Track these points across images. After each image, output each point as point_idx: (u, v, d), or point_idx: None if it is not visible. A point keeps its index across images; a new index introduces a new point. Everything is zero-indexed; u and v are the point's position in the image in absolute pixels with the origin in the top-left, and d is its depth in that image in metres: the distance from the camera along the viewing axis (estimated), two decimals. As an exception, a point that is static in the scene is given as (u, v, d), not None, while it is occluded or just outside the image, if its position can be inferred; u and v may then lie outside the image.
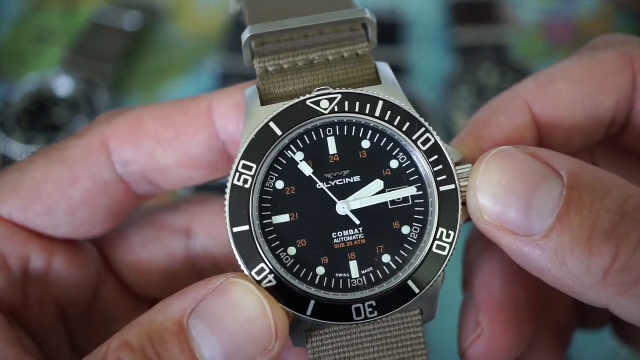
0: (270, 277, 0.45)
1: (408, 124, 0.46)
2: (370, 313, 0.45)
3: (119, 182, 0.52)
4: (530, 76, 0.52)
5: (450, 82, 1.03)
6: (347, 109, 0.46)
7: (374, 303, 0.45)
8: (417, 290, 0.45)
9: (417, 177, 0.47)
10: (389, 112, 0.46)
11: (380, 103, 0.46)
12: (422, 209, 0.46)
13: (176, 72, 1.10)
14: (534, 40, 1.12)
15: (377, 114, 0.46)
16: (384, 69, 0.49)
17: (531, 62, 1.05)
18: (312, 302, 0.45)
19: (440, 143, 0.46)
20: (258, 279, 0.45)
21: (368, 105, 0.46)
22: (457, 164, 0.46)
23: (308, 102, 0.46)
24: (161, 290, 0.46)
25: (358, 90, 0.47)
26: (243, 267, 0.45)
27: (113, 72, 1.06)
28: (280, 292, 0.45)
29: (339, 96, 0.46)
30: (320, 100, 0.46)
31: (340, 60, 0.49)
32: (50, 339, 0.53)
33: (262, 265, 0.45)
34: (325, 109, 0.46)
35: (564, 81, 0.49)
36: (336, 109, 0.46)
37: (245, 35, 0.48)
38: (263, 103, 0.48)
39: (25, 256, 0.51)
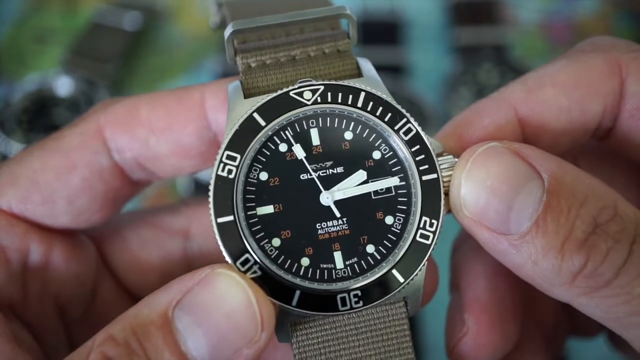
0: (255, 267, 0.45)
1: (390, 114, 0.47)
2: (356, 303, 0.45)
3: (115, 168, 0.52)
4: (518, 79, 0.52)
5: (450, 82, 1.03)
6: (329, 100, 0.47)
7: (359, 293, 0.45)
8: (401, 280, 0.45)
9: (399, 167, 0.47)
10: (371, 103, 0.47)
11: (362, 94, 0.47)
12: (405, 199, 0.47)
13: (176, 72, 1.10)
14: (534, 40, 1.12)
15: (359, 104, 0.47)
16: (365, 64, 0.50)
17: (531, 62, 1.04)
18: (298, 292, 0.45)
19: (422, 133, 0.47)
20: (243, 269, 0.45)
21: (350, 96, 0.47)
22: (438, 155, 0.47)
23: (291, 93, 0.47)
24: None
25: (340, 82, 0.47)
26: (227, 258, 0.45)
27: (113, 72, 1.06)
28: (266, 282, 0.44)
29: (322, 87, 0.47)
30: (303, 92, 0.47)
31: (321, 56, 0.50)
32: (49, 337, 0.53)
33: (247, 255, 0.45)
34: (308, 100, 0.47)
35: (551, 86, 0.50)
36: (319, 100, 0.47)
37: (228, 31, 0.49)
38: (246, 96, 0.48)
39: (24, 249, 0.51)
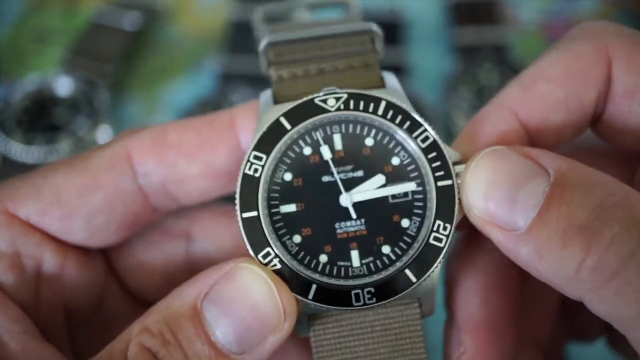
0: (275, 261, 0.47)
1: (409, 122, 0.49)
2: (369, 299, 0.47)
3: (138, 192, 0.53)
4: (514, 79, 0.52)
5: (450, 82, 1.03)
6: (352, 107, 0.49)
7: (372, 289, 0.47)
8: (414, 279, 0.47)
9: (416, 173, 0.49)
10: (391, 111, 0.49)
11: (383, 103, 0.50)
12: (421, 204, 0.49)
13: (176, 72, 1.10)
14: (534, 40, 1.12)
15: (380, 112, 0.49)
16: (389, 77, 0.52)
17: (531, 62, 1.04)
18: (314, 286, 0.47)
19: (439, 142, 0.49)
20: (264, 262, 0.47)
21: (371, 105, 0.50)
22: (455, 163, 0.49)
23: (316, 100, 0.50)
24: (164, 293, 0.47)
25: (363, 91, 0.50)
26: (250, 251, 0.47)
27: (113, 72, 1.06)
28: (285, 276, 0.47)
29: (345, 95, 0.50)
30: (327, 99, 0.50)
31: (349, 68, 0.53)
32: (54, 340, 0.53)
33: (268, 249, 0.47)
34: (332, 107, 0.49)
35: (545, 81, 0.49)
36: (342, 107, 0.49)
37: (263, 43, 0.53)
38: (276, 103, 0.51)
39: (39, 257, 0.52)
